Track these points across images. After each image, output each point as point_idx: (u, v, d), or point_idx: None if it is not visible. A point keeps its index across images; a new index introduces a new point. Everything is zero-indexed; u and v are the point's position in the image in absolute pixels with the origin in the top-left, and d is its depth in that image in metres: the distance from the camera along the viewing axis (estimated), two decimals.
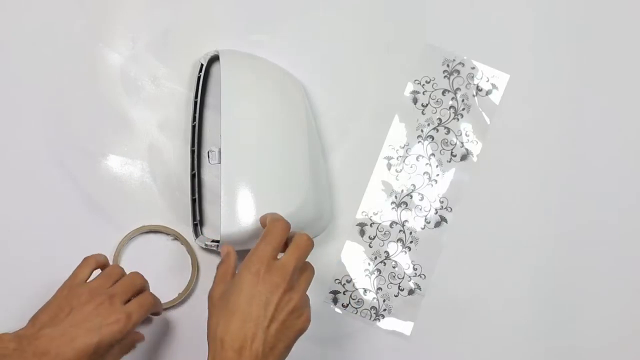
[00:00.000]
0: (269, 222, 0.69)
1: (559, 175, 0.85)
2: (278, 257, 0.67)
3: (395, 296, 0.84)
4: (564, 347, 0.84)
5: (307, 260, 0.69)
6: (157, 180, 0.84)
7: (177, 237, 0.82)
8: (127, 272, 0.74)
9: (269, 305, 0.64)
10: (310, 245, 0.68)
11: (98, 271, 0.73)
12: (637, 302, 0.85)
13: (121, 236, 0.81)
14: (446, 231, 0.84)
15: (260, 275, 0.65)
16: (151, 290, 0.75)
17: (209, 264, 0.83)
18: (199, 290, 0.82)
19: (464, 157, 0.85)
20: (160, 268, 0.81)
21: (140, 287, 0.72)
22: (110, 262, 0.79)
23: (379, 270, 0.84)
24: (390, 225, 0.84)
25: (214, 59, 0.84)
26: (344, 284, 0.84)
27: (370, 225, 0.84)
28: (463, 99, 0.86)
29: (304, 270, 0.69)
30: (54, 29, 0.85)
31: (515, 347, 0.84)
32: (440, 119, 0.86)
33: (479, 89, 0.86)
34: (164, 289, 0.79)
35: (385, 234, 0.84)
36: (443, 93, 0.86)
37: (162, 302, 0.78)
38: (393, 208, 0.85)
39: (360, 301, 0.84)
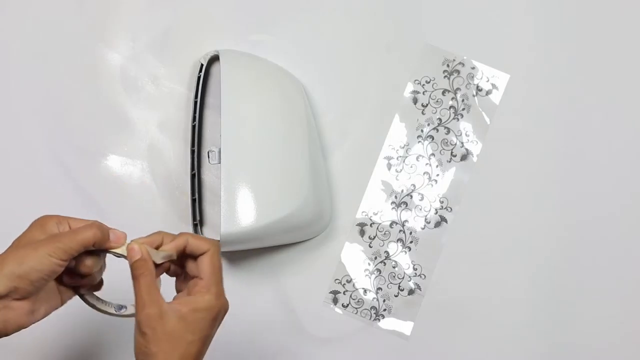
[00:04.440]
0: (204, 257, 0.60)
1: (558, 175, 0.85)
2: None
3: (395, 296, 0.84)
4: (564, 347, 0.84)
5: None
6: (157, 180, 0.84)
7: None
8: None
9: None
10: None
11: None
12: (636, 301, 0.85)
13: None
14: (446, 231, 0.84)
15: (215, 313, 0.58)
16: None
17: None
18: None
19: (464, 157, 0.85)
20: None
21: None
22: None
23: (379, 270, 0.84)
24: (390, 225, 0.84)
25: (214, 59, 0.84)
26: (344, 284, 0.84)
27: (370, 225, 0.84)
28: (463, 99, 0.86)
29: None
30: (54, 29, 0.85)
31: (515, 347, 0.84)
32: (440, 119, 0.86)
33: (479, 89, 0.86)
34: None
35: (385, 234, 0.84)
36: (443, 93, 0.86)
37: None
38: (393, 208, 0.85)
39: (360, 301, 0.84)
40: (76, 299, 0.61)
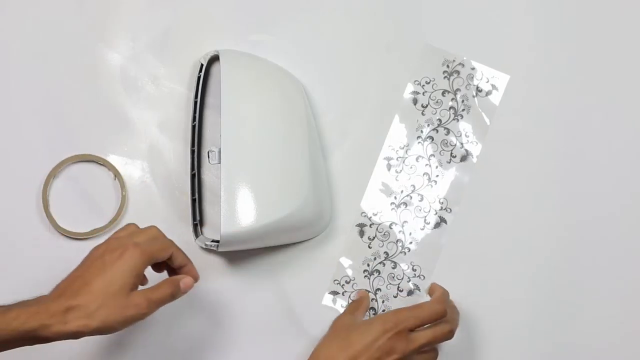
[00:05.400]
0: (432, 301, 0.76)
1: (558, 176, 0.85)
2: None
3: (395, 297, 0.84)
4: (564, 347, 0.84)
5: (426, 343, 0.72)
6: (157, 180, 0.84)
7: (108, 167, 0.83)
8: None
9: None
10: (447, 337, 0.74)
11: None
12: (636, 301, 0.85)
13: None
14: (446, 232, 0.84)
15: (388, 333, 0.70)
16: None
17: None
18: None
19: (463, 158, 0.85)
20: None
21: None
22: (40, 192, 0.81)
23: (378, 271, 0.84)
24: (390, 226, 0.84)
25: (214, 59, 0.84)
26: (343, 284, 0.84)
27: (370, 225, 0.84)
28: (463, 99, 0.86)
29: (425, 352, 0.75)
30: (54, 29, 0.85)
31: (515, 347, 0.84)
32: (440, 120, 0.86)
33: (478, 90, 0.86)
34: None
35: (384, 234, 0.84)
36: (443, 94, 0.86)
37: (88, 229, 0.80)
38: (392, 209, 0.85)
39: None
40: None
